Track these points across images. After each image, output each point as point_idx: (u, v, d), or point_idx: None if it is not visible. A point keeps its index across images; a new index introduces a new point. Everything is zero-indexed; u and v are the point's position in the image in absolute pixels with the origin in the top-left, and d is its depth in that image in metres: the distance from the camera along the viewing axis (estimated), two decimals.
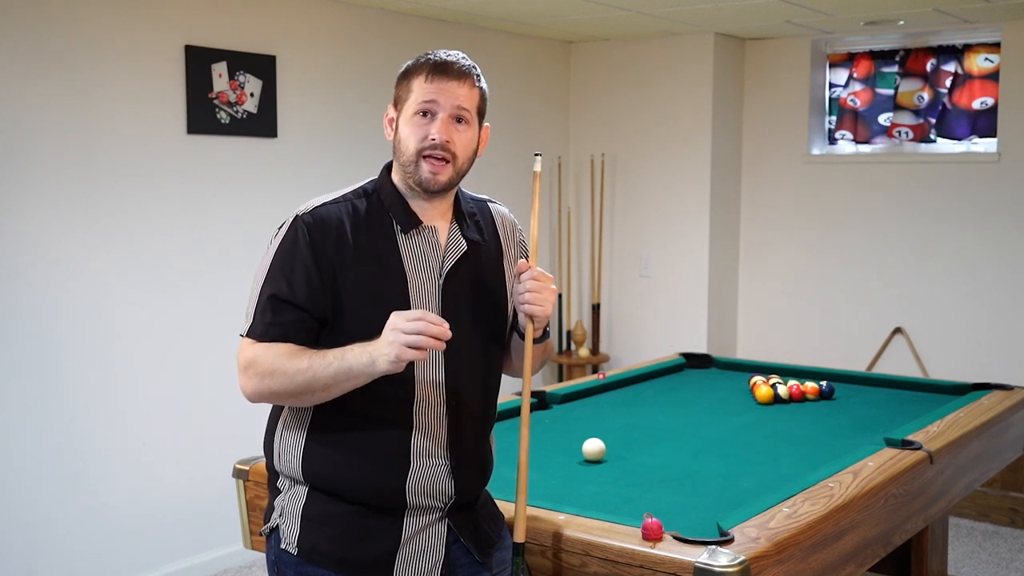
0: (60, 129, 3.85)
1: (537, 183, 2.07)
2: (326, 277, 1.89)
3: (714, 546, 2.01)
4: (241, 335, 1.94)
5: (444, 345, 1.80)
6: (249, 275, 4.58)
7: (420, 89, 1.93)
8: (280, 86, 4.53)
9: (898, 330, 5.58)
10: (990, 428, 3.26)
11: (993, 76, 5.33)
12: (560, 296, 6.12)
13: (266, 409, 2.07)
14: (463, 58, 1.98)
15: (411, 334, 1.77)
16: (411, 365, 1.93)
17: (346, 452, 1.94)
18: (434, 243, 1.99)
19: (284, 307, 1.88)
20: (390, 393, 1.93)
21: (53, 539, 3.89)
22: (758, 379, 3.72)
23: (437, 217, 2.01)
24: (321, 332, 1.91)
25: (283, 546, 1.98)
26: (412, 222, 1.97)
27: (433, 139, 1.92)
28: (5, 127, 3.71)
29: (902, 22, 5.22)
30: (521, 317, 2.02)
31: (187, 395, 4.30)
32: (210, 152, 4.32)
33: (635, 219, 6.05)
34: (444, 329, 1.79)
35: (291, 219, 1.95)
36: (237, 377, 1.91)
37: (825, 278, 5.80)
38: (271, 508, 2.04)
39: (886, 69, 5.67)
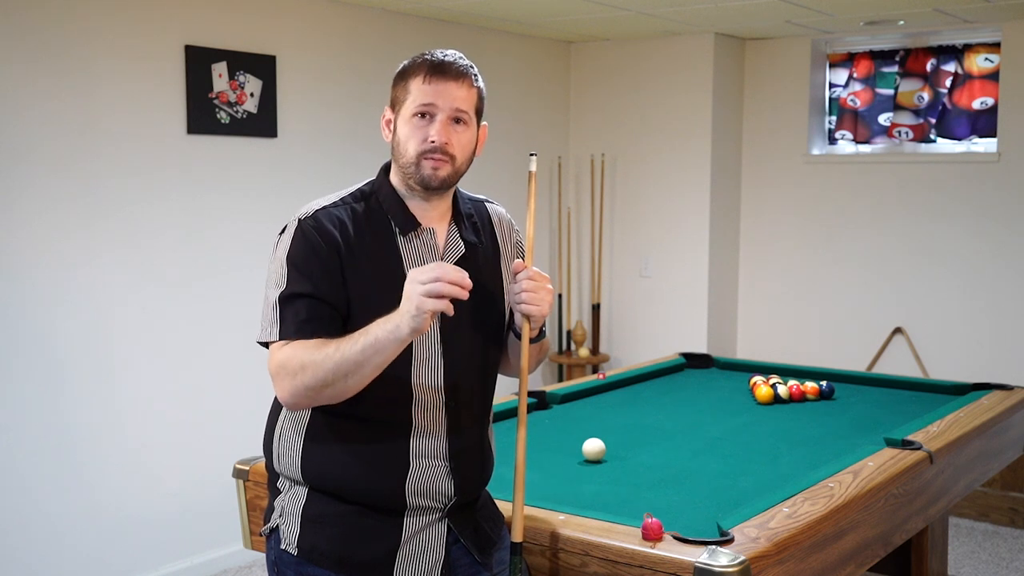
0: (60, 129, 3.85)
1: (533, 183, 2.07)
2: (339, 275, 1.88)
3: (714, 546, 2.01)
4: (260, 342, 1.91)
5: (466, 294, 1.76)
6: (249, 275, 4.61)
7: (418, 90, 1.92)
8: (280, 86, 4.53)
9: (898, 330, 5.58)
10: (990, 428, 3.26)
11: (993, 76, 5.33)
12: (560, 296, 6.12)
13: (266, 409, 2.07)
14: (460, 58, 1.97)
15: (428, 283, 1.74)
16: (410, 367, 1.93)
17: (345, 453, 1.94)
18: (432, 245, 1.98)
19: (314, 303, 1.86)
20: (389, 394, 1.92)
21: (53, 539, 3.89)
22: (758, 379, 3.71)
23: (436, 219, 2.00)
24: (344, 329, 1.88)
25: (283, 546, 1.98)
26: (410, 224, 1.97)
27: (432, 141, 1.91)
28: (5, 127, 3.71)
29: (902, 22, 5.22)
30: (518, 317, 2.03)
31: (187, 395, 4.30)
32: (210, 152, 4.32)
33: (635, 219, 6.05)
34: (463, 275, 1.77)
35: (294, 223, 1.93)
36: (273, 386, 1.87)
37: (825, 278, 5.80)
38: (271, 508, 2.04)
39: (886, 69, 5.67)
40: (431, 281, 1.74)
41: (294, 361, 1.82)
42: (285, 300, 1.88)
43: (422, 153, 1.92)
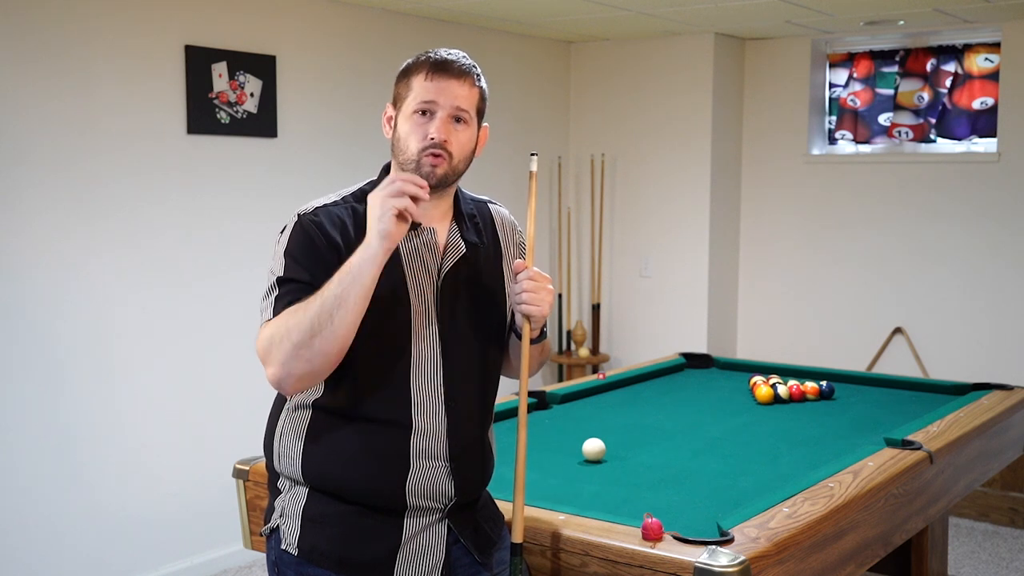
0: (60, 129, 3.85)
1: (533, 183, 2.07)
2: (335, 271, 1.88)
3: (714, 546, 2.01)
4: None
5: (425, 194, 1.80)
6: (249, 275, 4.61)
7: (420, 88, 1.92)
8: (280, 86, 4.53)
9: (898, 330, 5.58)
10: (990, 428, 3.26)
11: (993, 76, 5.33)
12: (560, 296, 6.12)
13: (266, 408, 2.07)
14: (463, 57, 1.97)
15: (388, 185, 1.79)
16: (410, 367, 1.93)
17: (346, 454, 1.93)
18: (432, 245, 1.98)
19: (306, 288, 1.85)
20: (389, 394, 1.93)
21: (53, 539, 3.89)
22: (758, 379, 3.72)
23: (436, 218, 2.00)
24: None
25: (283, 546, 1.98)
26: (411, 223, 1.96)
27: (432, 138, 1.91)
28: (5, 127, 3.71)
29: (902, 22, 5.22)
30: (518, 317, 2.02)
31: (187, 395, 4.30)
32: (210, 152, 4.32)
33: (635, 219, 6.05)
34: (417, 177, 1.83)
35: (295, 219, 1.94)
36: (264, 369, 1.84)
37: (825, 278, 5.80)
38: (271, 508, 2.04)
39: (886, 69, 5.67)
40: (390, 183, 1.79)
41: (278, 330, 1.81)
42: (279, 285, 1.89)
43: (422, 150, 1.92)
